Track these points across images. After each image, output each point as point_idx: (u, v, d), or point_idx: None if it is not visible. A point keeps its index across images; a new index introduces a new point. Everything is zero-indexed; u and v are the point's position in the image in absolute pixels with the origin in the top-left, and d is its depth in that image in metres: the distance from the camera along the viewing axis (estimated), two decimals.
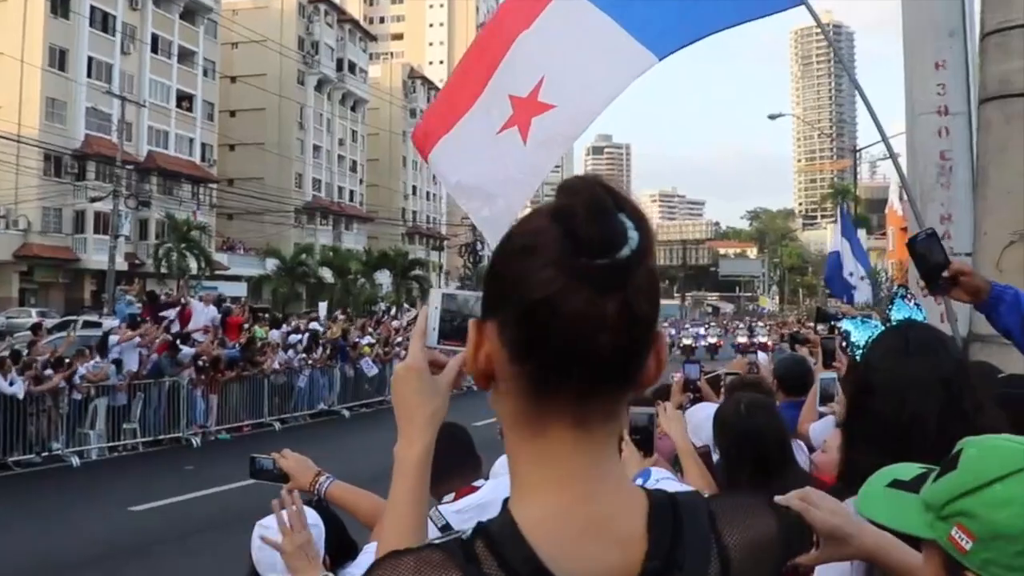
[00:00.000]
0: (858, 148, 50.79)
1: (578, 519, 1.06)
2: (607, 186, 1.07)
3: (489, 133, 4.37)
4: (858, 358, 3.98)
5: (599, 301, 1.02)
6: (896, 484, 1.51)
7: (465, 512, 3.20)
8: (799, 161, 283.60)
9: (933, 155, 5.21)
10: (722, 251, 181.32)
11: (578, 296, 1.02)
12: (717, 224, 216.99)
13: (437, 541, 1.09)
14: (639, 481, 3.02)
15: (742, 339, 51.02)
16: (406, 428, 1.45)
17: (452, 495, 3.31)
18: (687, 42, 4.30)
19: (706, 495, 1.23)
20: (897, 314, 3.82)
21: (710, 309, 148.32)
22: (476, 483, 3.35)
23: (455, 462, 3.44)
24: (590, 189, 1.07)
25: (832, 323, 5.31)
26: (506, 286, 1.07)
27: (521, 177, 4.41)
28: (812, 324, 25.68)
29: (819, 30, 4.85)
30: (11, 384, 16.12)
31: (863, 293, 16.62)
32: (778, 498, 1.69)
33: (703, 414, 4.35)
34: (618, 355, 1.05)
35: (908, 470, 1.53)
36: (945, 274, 2.89)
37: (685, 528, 1.08)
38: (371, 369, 26.21)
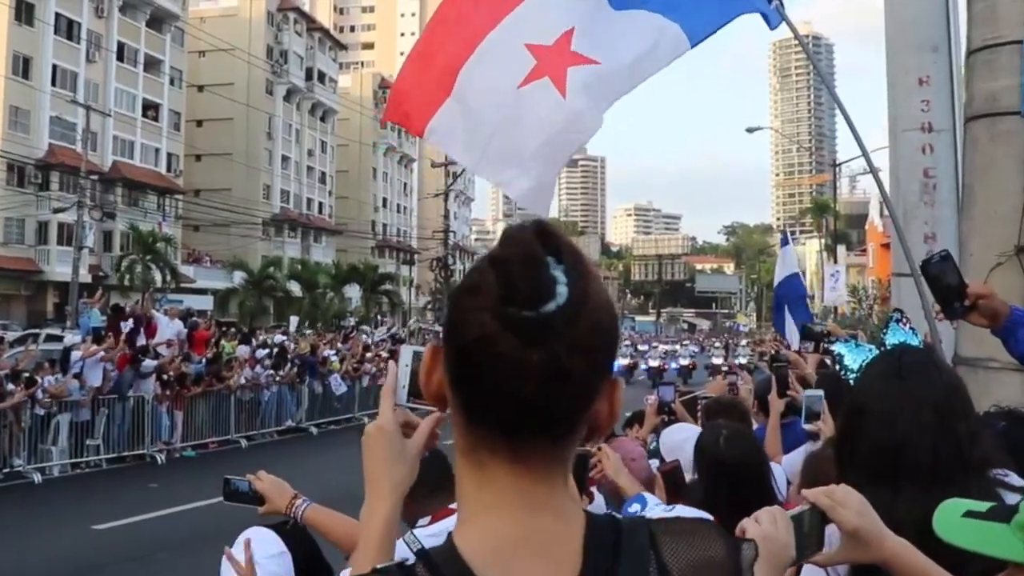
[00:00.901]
0: (838, 163, 51.07)
1: (514, 541, 1.10)
2: (548, 235, 1.09)
3: (507, 87, 4.07)
4: (852, 381, 4.01)
5: (525, 352, 1.05)
6: (971, 515, 1.57)
7: (440, 536, 3.17)
8: (777, 175, 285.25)
9: (917, 172, 5.24)
10: (699, 266, 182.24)
11: (506, 343, 1.05)
12: (694, 239, 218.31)
13: (379, 566, 1.12)
14: (634, 507, 3.12)
15: (717, 359, 47.73)
16: (370, 494, 1.50)
17: (428, 519, 3.31)
18: (716, 27, 4.34)
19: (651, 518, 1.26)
20: (892, 338, 3.86)
21: (686, 326, 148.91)
22: (452, 505, 3.33)
23: (431, 484, 3.43)
24: (526, 240, 1.08)
25: (822, 344, 5.33)
26: (452, 320, 1.11)
27: (564, 135, 4.17)
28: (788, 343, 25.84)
29: (798, 42, 4.91)
30: None
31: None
32: (804, 492, 1.73)
33: (680, 436, 4.38)
34: (545, 404, 1.07)
35: (976, 504, 1.60)
36: (967, 302, 2.83)
37: (623, 548, 1.11)
38: (339, 387, 26.12)
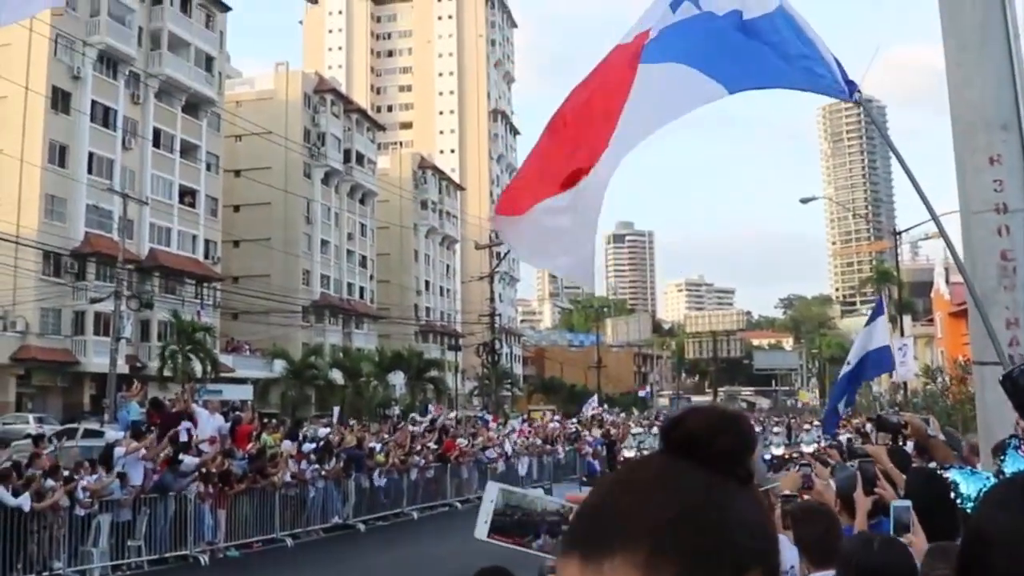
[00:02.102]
0: (899, 231, 50.61)
1: None
2: None
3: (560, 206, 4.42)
4: (968, 510, 3.93)
5: None
6: None
7: None
8: (834, 244, 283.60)
9: (993, 255, 5.19)
10: (755, 342, 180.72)
11: None
12: (749, 313, 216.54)
13: None
14: None
15: (777, 449, 39.04)
16: None
17: None
18: (759, 85, 4.44)
19: None
20: (1011, 466, 3.78)
21: (745, 405, 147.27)
22: None
23: None
24: None
25: (899, 435, 5.25)
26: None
27: (584, 203, 4.43)
28: (866, 430, 25.21)
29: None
30: (15, 496, 16.18)
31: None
32: None
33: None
34: None
35: None
36: None
37: None
38: (379, 480, 26.00)
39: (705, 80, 4.39)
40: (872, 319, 14.45)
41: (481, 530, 1.53)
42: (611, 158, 4.40)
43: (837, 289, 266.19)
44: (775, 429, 49.00)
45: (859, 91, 4.61)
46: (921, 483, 4.39)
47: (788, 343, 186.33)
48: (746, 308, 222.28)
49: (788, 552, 3.96)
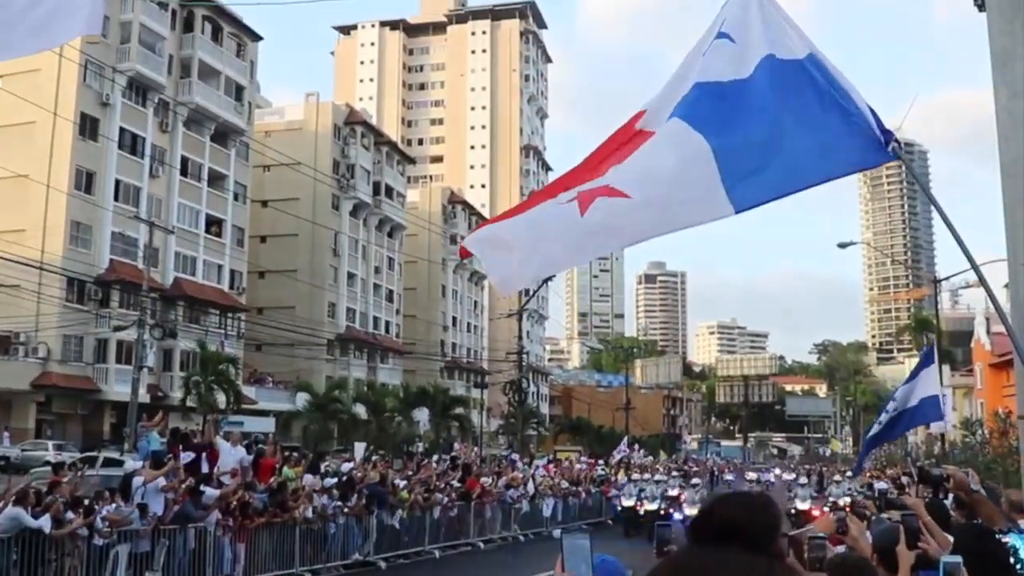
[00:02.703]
0: (939, 278, 50.30)
1: None
2: None
3: (542, 209, 4.54)
4: None
5: None
6: None
7: None
8: (871, 290, 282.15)
9: None
10: (788, 387, 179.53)
11: None
12: (782, 358, 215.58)
13: None
14: None
15: (803, 503, 33.52)
16: None
17: None
18: (769, 198, 4.41)
19: None
20: None
21: (775, 451, 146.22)
22: None
23: None
24: None
25: (940, 489, 5.15)
26: None
27: (563, 242, 4.50)
28: (902, 481, 24.86)
29: (915, 182, 4.95)
30: (36, 519, 16.27)
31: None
32: None
33: None
34: None
35: None
36: None
37: None
38: (390, 519, 25.72)
39: (722, 196, 4.35)
40: (922, 366, 14.22)
41: None
42: (598, 198, 4.43)
43: (873, 336, 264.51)
44: (801, 480, 44.54)
45: (896, 141, 4.54)
46: (971, 540, 4.29)
47: (822, 390, 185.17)
48: (779, 352, 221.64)
49: None
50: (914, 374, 14.39)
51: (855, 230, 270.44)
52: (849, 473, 38.42)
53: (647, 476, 38.18)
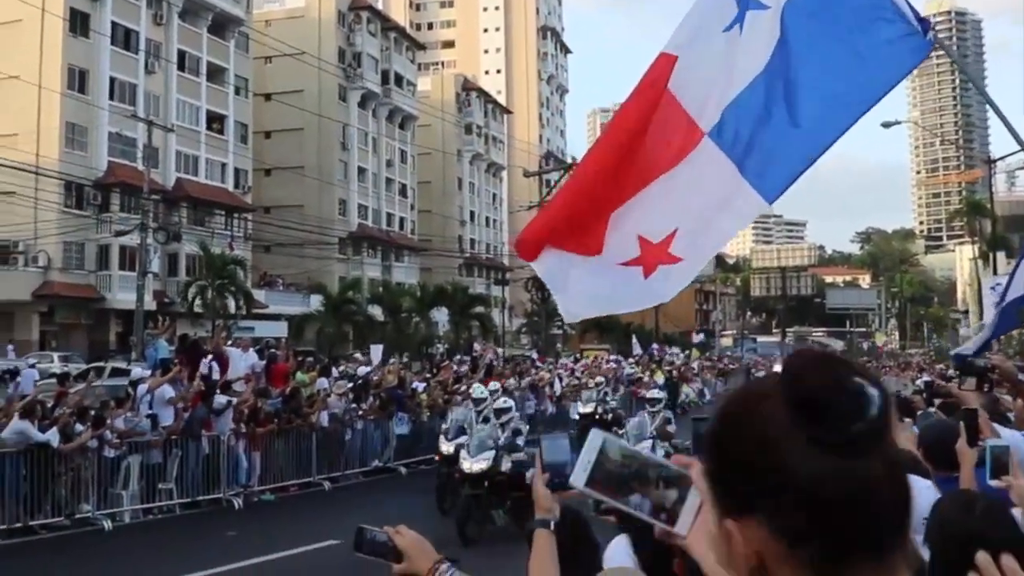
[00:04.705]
0: (993, 158, 49.15)
1: None
2: (831, 358, 1.25)
3: (610, 262, 4.88)
4: None
5: (862, 466, 1.19)
6: None
7: None
8: (918, 173, 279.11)
9: None
10: (828, 279, 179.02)
11: (843, 468, 1.18)
12: (821, 248, 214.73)
13: None
14: None
15: None
16: None
17: None
18: (796, 176, 4.64)
19: None
20: None
21: (816, 346, 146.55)
22: None
23: (570, 553, 3.81)
24: (817, 365, 1.23)
25: (986, 380, 5.14)
26: (765, 479, 1.22)
27: (622, 296, 4.98)
28: (949, 373, 24.83)
29: (936, 21, 5.02)
30: (43, 432, 16.74)
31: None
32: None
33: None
34: (892, 510, 1.23)
35: None
36: None
37: None
38: (402, 425, 25.85)
39: (749, 193, 4.62)
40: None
41: (579, 478, 1.58)
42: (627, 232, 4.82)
43: (921, 223, 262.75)
44: None
45: (933, 28, 4.65)
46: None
47: (865, 281, 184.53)
48: (819, 242, 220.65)
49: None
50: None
51: (901, 108, 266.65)
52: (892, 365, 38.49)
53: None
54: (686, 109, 4.79)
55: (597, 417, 28.64)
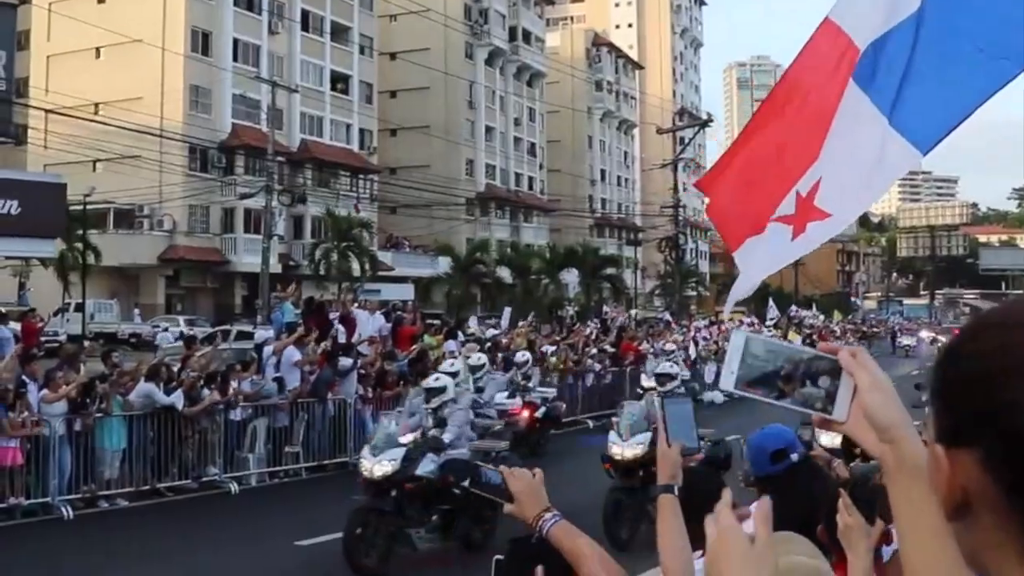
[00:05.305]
0: None
1: None
2: None
3: (768, 224, 4.81)
4: None
5: None
6: None
7: (701, 572, 3.33)
8: None
9: None
10: (982, 239, 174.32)
11: None
12: (975, 206, 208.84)
13: None
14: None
15: None
16: None
17: (701, 551, 3.43)
18: (950, 129, 4.37)
19: None
20: None
21: (967, 310, 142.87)
22: None
23: (698, 513, 3.60)
24: None
25: None
26: (999, 413, 1.07)
27: (770, 261, 4.86)
28: None
29: None
30: (168, 395, 17.07)
31: None
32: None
33: None
34: None
35: None
36: None
37: None
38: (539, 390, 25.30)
39: (902, 144, 4.38)
40: None
41: (728, 380, 1.56)
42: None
43: None
44: None
45: None
46: None
47: (1022, 240, 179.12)
48: (971, 200, 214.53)
49: None
50: None
51: None
52: None
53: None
54: (847, 33, 4.57)
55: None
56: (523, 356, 23.79)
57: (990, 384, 1.07)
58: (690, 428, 2.96)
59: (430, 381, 14.11)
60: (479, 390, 17.75)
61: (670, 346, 32.25)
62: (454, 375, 15.23)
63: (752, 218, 4.84)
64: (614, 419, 14.42)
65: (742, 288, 4.97)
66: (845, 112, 4.48)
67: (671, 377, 17.04)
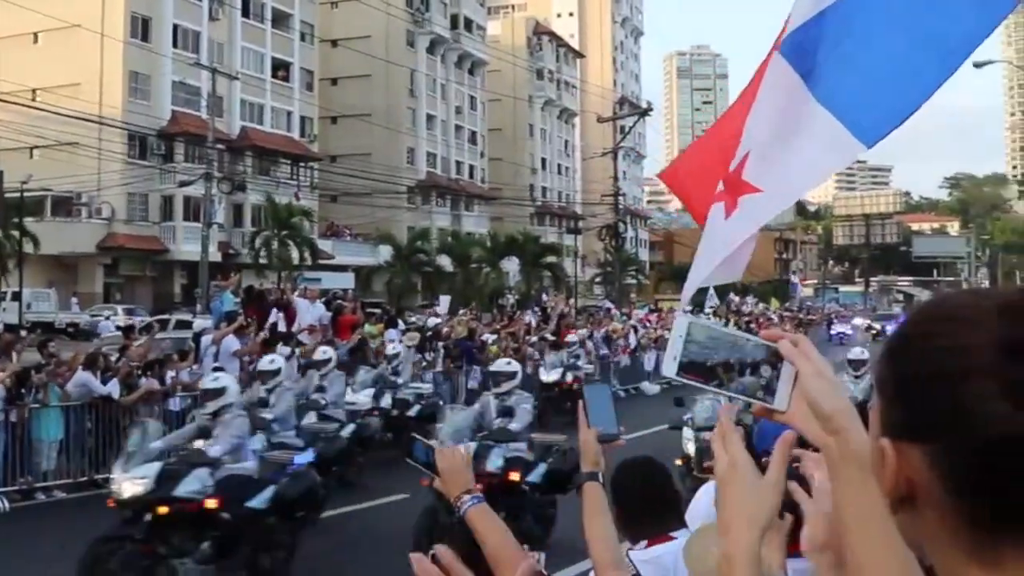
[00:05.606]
0: None
1: None
2: None
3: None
4: None
5: None
6: None
7: (653, 563, 3.45)
8: (1012, 115, 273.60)
9: None
10: (915, 227, 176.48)
11: None
12: (907, 194, 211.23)
13: None
14: None
15: None
16: (723, 535, 1.51)
17: (645, 542, 3.53)
18: (899, 123, 4.33)
19: None
20: None
21: (901, 297, 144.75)
22: (674, 533, 3.66)
23: (649, 505, 3.70)
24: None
25: None
26: (944, 414, 1.07)
27: (713, 250, 4.63)
28: None
29: None
30: (105, 384, 16.91)
31: None
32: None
33: None
34: None
35: None
36: None
37: None
38: (473, 379, 25.45)
39: (845, 135, 4.22)
40: None
41: (670, 367, 1.55)
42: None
43: (1015, 167, 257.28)
44: None
45: None
46: None
47: (954, 228, 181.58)
48: (904, 188, 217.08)
49: None
50: None
51: (994, 48, 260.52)
52: None
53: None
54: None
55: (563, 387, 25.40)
56: (393, 349, 21.86)
57: (950, 384, 1.06)
58: (609, 414, 2.96)
59: (207, 380, 12.55)
60: (320, 388, 16.87)
61: (572, 337, 29.41)
62: (275, 373, 14.09)
63: (704, 204, 4.79)
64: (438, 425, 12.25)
65: (692, 280, 4.82)
66: (768, 84, 4.45)
67: (508, 376, 13.45)
